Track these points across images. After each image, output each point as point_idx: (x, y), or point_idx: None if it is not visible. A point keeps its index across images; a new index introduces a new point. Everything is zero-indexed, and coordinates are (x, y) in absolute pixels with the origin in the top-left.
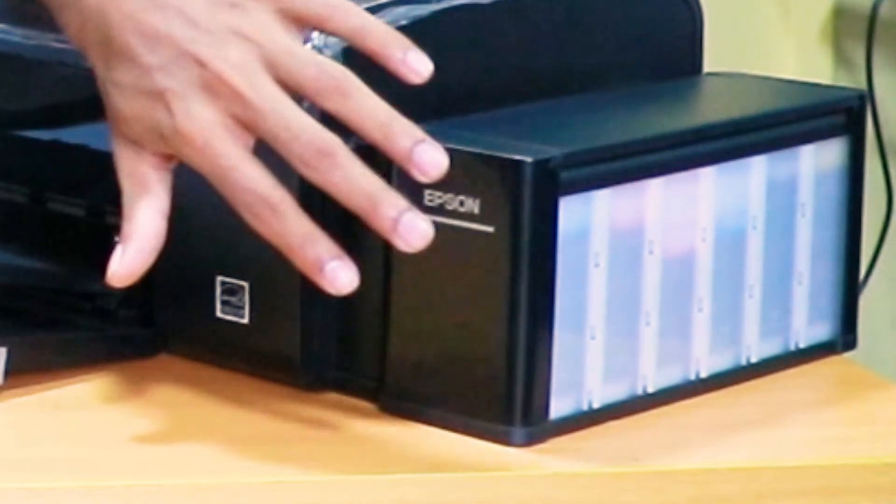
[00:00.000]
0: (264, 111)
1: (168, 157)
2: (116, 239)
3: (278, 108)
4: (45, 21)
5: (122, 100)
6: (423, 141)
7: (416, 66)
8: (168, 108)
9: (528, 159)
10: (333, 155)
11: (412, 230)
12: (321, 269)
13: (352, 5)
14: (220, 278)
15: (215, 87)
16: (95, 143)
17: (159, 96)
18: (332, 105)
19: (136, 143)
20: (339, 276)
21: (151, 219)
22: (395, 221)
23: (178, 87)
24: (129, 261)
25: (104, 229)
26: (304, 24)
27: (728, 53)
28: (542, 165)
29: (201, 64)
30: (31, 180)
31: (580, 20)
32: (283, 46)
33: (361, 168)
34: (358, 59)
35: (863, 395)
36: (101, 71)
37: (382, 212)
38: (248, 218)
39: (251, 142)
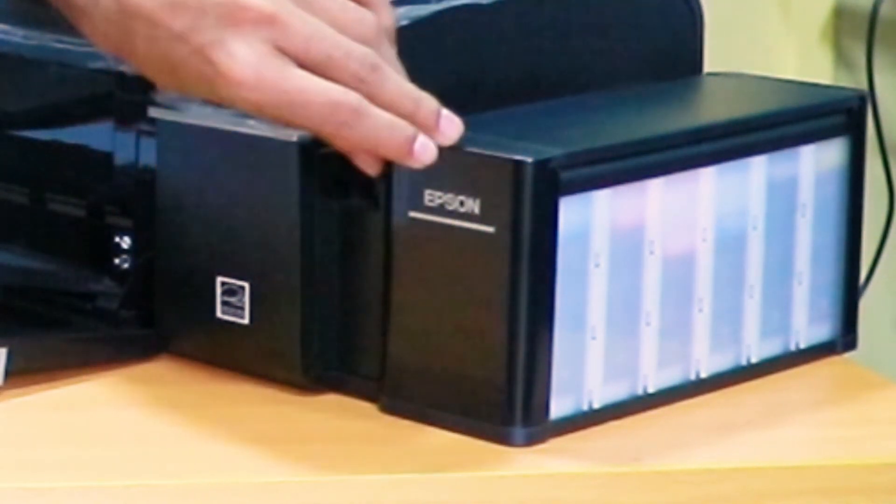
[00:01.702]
0: (311, 35)
1: None
2: (117, 239)
3: (322, 30)
4: (46, 21)
5: (168, 76)
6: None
7: None
8: (210, 62)
9: (529, 159)
10: (381, 67)
11: (450, 126)
12: (410, 152)
13: None
14: (220, 279)
15: (246, 19)
16: (95, 143)
17: (198, 54)
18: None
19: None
20: (426, 152)
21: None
22: (435, 118)
23: (212, 37)
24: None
25: (104, 229)
26: None
27: (728, 53)
28: (542, 165)
29: (224, 4)
30: (31, 180)
31: (580, 20)
32: None
33: (399, 78)
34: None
35: (863, 395)
36: (137, 63)
37: (423, 113)
38: (333, 130)
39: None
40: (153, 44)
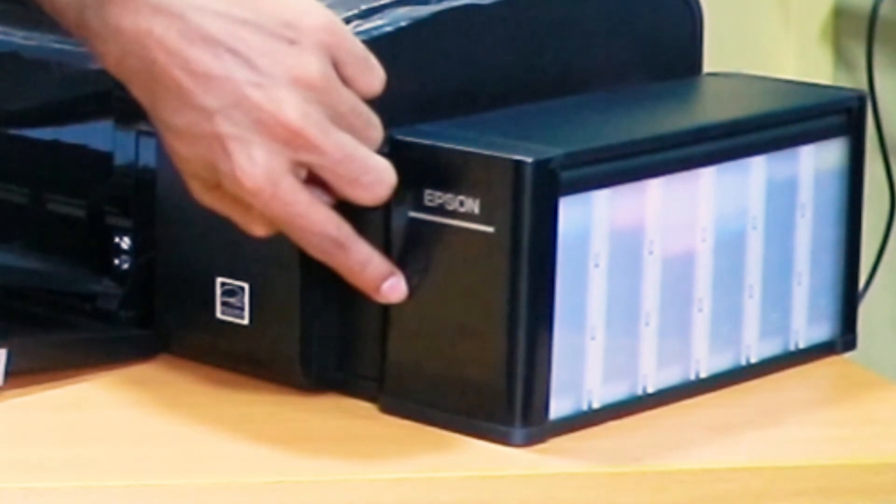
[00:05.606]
0: (338, 159)
1: None
2: (117, 239)
3: (353, 153)
4: (46, 21)
5: (178, 141)
6: None
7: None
8: (227, 154)
9: (528, 159)
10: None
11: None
12: (378, 289)
13: (377, 76)
14: (220, 280)
15: (278, 133)
16: (95, 143)
17: (218, 140)
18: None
19: (198, 178)
20: (394, 293)
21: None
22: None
23: (239, 132)
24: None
25: (104, 229)
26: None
27: (728, 53)
28: (542, 165)
29: (263, 109)
30: (31, 180)
31: (580, 20)
32: (338, 89)
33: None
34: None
35: (862, 395)
36: (147, 106)
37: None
38: (316, 254)
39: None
40: (172, 103)
